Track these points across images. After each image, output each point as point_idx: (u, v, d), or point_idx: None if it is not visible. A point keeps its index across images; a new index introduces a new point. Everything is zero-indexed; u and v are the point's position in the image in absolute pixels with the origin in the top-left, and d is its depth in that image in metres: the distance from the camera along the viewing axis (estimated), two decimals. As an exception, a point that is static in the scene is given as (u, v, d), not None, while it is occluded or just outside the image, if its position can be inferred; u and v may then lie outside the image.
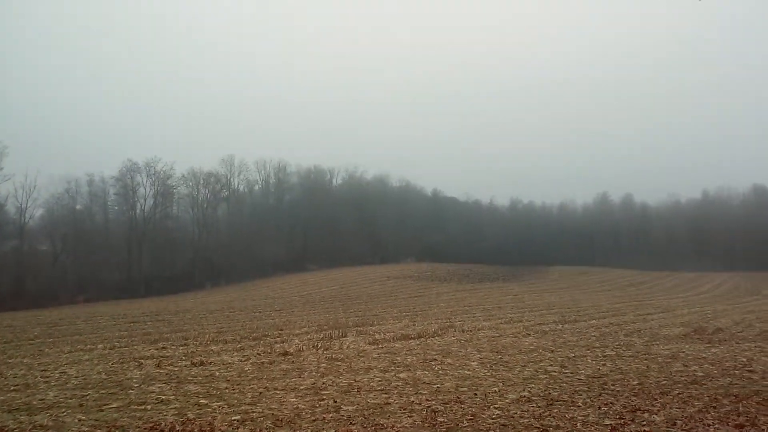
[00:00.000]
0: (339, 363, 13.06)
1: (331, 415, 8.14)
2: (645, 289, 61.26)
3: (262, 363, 13.23)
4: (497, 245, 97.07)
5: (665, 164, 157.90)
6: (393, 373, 11.58)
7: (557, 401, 8.95)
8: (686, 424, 7.61)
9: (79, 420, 8.07)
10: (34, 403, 9.24)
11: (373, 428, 7.50)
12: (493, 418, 7.93)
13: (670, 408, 8.53)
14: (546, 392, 9.63)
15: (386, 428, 7.49)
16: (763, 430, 7.36)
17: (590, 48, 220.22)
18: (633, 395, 9.42)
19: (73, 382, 11.15)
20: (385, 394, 9.58)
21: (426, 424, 7.65)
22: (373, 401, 9.02)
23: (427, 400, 9.10)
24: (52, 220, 75.35)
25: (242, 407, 8.75)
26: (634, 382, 10.55)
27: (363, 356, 14.07)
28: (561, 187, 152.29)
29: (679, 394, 9.55)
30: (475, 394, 9.51)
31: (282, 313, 31.66)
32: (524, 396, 9.34)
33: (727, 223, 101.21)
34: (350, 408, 8.56)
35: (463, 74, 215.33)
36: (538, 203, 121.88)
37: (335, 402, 8.97)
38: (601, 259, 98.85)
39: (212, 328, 23.48)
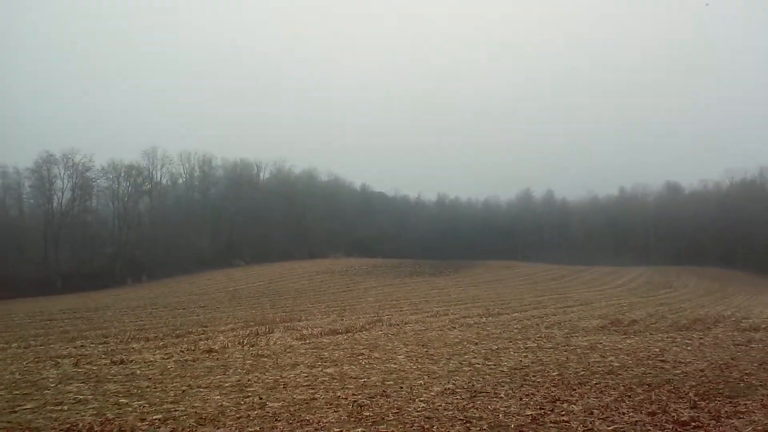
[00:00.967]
0: (265, 359, 12.93)
1: (256, 412, 8.05)
2: (565, 283, 63.26)
3: (186, 361, 12.94)
4: (425, 240, 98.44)
5: (586, 163, 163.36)
6: (320, 369, 11.56)
7: (481, 393, 9.15)
8: (602, 413, 7.90)
9: (-11, 423, 7.70)
10: (-61, 406, 8.74)
11: (298, 424, 7.47)
12: (418, 411, 8.03)
13: (588, 398, 8.84)
14: (470, 384, 9.82)
15: (312, 424, 7.47)
16: (674, 416, 7.72)
17: (509, 46, 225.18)
18: (553, 386, 9.72)
19: (-18, 383, 10.61)
20: (312, 389, 9.55)
21: (352, 419, 7.67)
22: (299, 397, 8.97)
23: (353, 394, 9.13)
24: (-39, 213, 71.52)
25: (164, 406, 8.54)
26: (554, 373, 10.89)
27: (290, 352, 13.98)
28: (486, 184, 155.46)
29: (596, 384, 9.91)
30: (401, 388, 9.60)
31: (207, 310, 31.07)
32: (449, 388, 9.50)
33: (642, 218, 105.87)
34: (276, 404, 8.49)
35: (387, 68, 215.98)
36: (464, 199, 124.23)
37: (260, 399, 8.87)
38: (524, 253, 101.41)
39: (133, 325, 22.82)
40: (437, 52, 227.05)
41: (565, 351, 13.85)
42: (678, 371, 11.06)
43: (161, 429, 7.36)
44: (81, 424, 7.59)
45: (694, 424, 7.34)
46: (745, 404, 8.36)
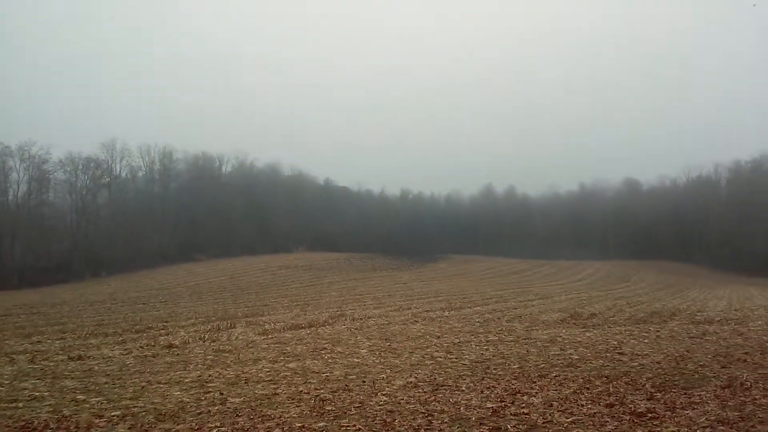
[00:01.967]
0: (227, 355, 12.83)
1: (216, 408, 7.98)
2: (526, 277, 64.14)
3: (145, 356, 12.77)
4: (388, 235, 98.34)
5: (547, 159, 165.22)
6: (282, 364, 11.51)
7: (442, 386, 9.21)
8: (562, 405, 8.02)
9: (-61, 422, 7.47)
10: None
11: (260, 419, 7.42)
12: (380, 405, 8.05)
13: (548, 390, 8.96)
14: (432, 378, 9.88)
15: (273, 419, 7.43)
16: (631, 408, 7.88)
17: (473, 43, 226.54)
18: (514, 378, 9.84)
19: (-69, 381, 10.30)
20: (274, 384, 9.50)
21: (314, 413, 7.66)
22: (260, 392, 8.92)
23: (315, 389, 9.11)
24: None
25: (123, 402, 8.40)
26: (515, 366, 11.02)
27: (252, 347, 13.89)
28: (449, 179, 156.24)
29: (556, 376, 10.05)
30: (364, 382, 9.61)
31: (167, 305, 30.67)
32: (411, 382, 9.54)
33: (601, 214, 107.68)
34: (237, 400, 8.43)
35: (351, 64, 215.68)
36: (428, 194, 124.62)
37: (221, 394, 8.79)
38: (486, 248, 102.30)
39: (92, 320, 22.41)
40: (396, 46, 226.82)
41: (526, 344, 14.03)
42: (635, 363, 11.27)
43: (119, 426, 7.24)
44: (36, 422, 7.43)
45: (650, 415, 7.49)
46: (700, 395, 8.56)
